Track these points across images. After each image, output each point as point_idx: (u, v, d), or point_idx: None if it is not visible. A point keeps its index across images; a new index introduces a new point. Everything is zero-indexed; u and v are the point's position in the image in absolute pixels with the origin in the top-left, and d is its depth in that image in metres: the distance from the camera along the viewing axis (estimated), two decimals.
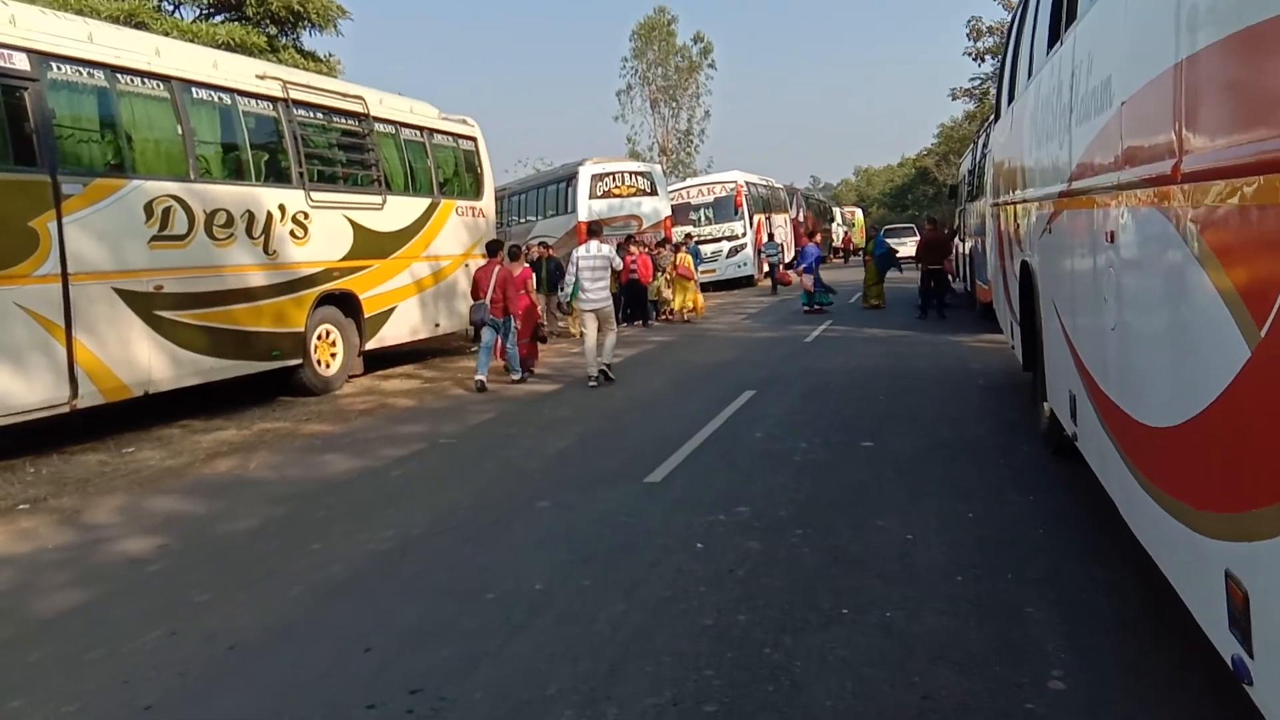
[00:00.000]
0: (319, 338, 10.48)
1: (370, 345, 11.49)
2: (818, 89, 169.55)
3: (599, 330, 10.05)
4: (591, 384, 9.88)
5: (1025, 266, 5.83)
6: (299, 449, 7.53)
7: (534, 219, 24.95)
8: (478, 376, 10.08)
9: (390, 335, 11.85)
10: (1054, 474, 5.33)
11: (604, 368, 10.10)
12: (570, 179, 22.77)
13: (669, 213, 23.92)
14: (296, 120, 10.19)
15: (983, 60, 43.62)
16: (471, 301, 10.74)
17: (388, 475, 6.40)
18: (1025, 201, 5.82)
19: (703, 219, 28.62)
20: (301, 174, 10.19)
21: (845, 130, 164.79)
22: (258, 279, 9.47)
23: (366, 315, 11.24)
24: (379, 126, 11.76)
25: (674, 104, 43.93)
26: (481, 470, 6.36)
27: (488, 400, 9.57)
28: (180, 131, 8.63)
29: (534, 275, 13.59)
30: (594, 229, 11.00)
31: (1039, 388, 5.99)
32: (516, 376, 10.60)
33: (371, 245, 11.33)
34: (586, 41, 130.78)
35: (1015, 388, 8.13)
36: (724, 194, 28.77)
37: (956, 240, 20.95)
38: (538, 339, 11.60)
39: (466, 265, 13.50)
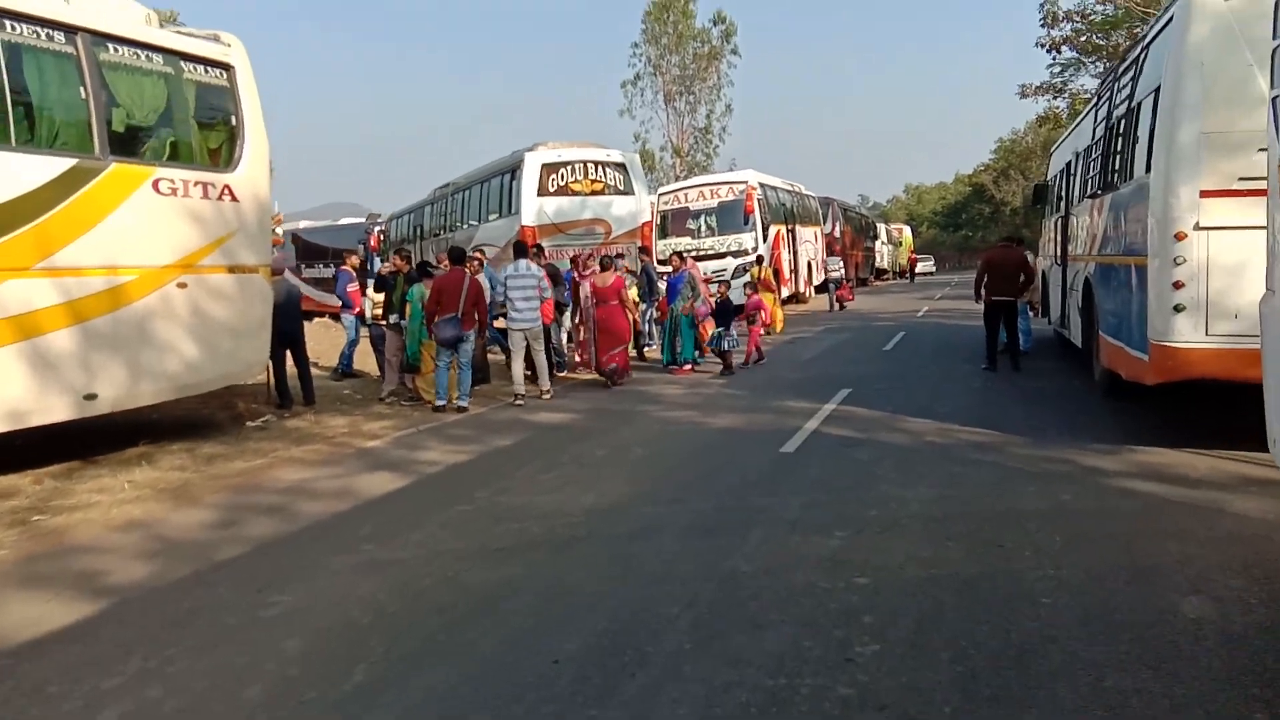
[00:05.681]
0: None
1: None
2: (867, 96, 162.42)
3: (529, 350, 10.01)
4: (518, 403, 9.68)
5: None
6: None
7: (475, 223, 18.91)
8: (438, 401, 9.48)
9: None
10: None
11: (545, 392, 9.99)
12: (514, 170, 16.58)
13: (649, 216, 17.66)
14: None
15: (1058, 50, 37.03)
16: (440, 318, 9.31)
17: None
18: None
19: (703, 228, 22.23)
20: None
21: (896, 145, 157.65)
22: None
23: None
24: None
25: (691, 96, 37.42)
26: None
27: None
28: None
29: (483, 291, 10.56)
30: (520, 248, 10.37)
31: None
32: (464, 404, 9.52)
33: None
34: (590, 23, 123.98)
35: None
36: (731, 198, 22.27)
37: (1041, 262, 14.53)
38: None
39: (183, 284, 7.49)
